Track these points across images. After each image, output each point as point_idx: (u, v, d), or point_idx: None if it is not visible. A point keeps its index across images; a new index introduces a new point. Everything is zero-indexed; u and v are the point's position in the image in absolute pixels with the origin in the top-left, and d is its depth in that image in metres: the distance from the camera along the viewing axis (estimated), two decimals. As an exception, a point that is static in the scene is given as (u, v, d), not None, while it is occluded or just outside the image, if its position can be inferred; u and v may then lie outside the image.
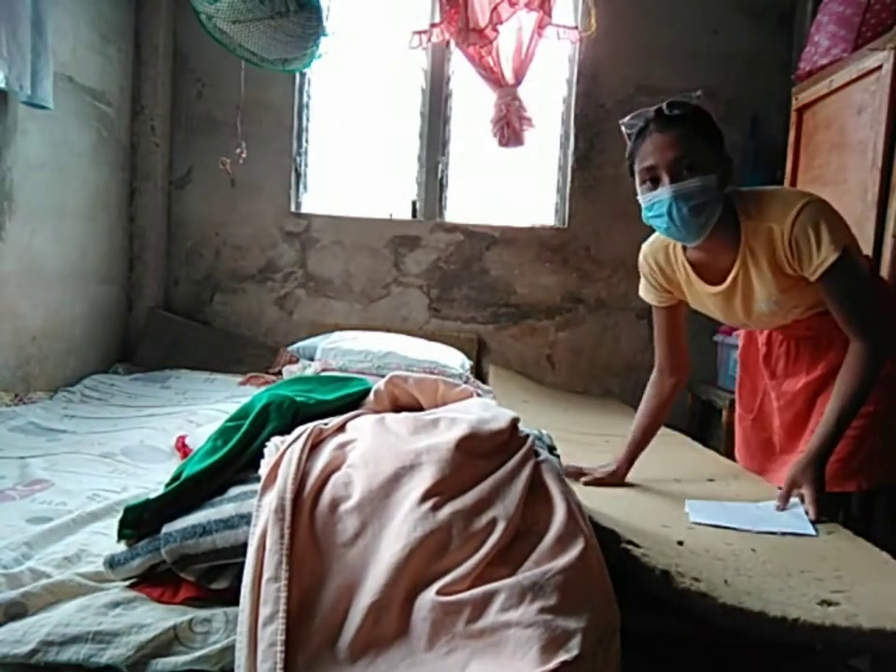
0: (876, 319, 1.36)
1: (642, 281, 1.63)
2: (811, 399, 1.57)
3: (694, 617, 0.99)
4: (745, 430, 1.80)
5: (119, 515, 1.03)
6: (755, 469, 1.73)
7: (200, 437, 1.72)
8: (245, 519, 0.96)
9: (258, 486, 0.98)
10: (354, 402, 1.30)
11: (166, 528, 0.99)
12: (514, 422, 1.14)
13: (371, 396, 1.30)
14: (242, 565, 0.90)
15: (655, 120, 1.35)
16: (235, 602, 0.87)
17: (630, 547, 1.08)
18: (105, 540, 1.15)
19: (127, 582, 1.00)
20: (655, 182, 1.35)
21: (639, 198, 1.41)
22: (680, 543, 1.19)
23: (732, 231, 1.40)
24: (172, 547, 0.96)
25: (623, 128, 1.43)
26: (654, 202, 1.35)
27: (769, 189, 1.47)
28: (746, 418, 1.79)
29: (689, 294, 1.56)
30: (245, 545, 0.92)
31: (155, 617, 0.91)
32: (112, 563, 1.01)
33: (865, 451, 1.47)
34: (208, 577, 0.97)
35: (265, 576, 0.85)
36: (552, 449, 1.25)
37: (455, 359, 2.75)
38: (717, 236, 1.39)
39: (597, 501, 1.31)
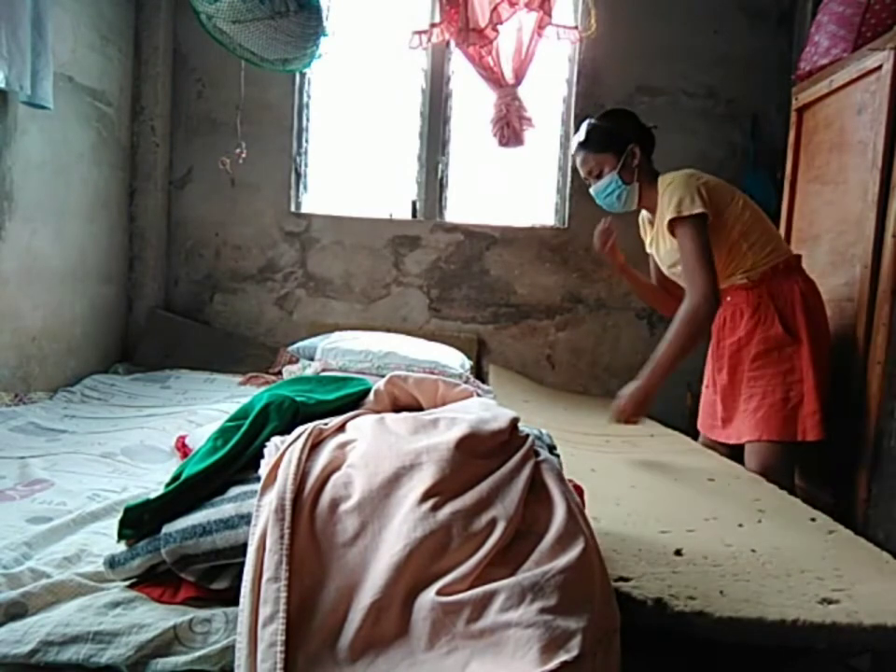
0: (696, 281, 1.78)
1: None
2: (734, 358, 1.95)
3: (693, 636, 0.99)
4: (703, 399, 2.17)
5: (119, 515, 1.03)
6: (705, 430, 2.11)
7: (200, 437, 1.72)
8: (245, 519, 0.95)
9: (257, 486, 0.98)
10: (354, 402, 1.30)
11: (166, 528, 0.99)
12: (514, 422, 1.13)
13: (371, 396, 1.30)
14: (242, 565, 0.90)
15: (573, 153, 2.08)
16: (235, 602, 0.86)
17: (619, 584, 1.05)
18: (105, 540, 1.15)
19: (127, 582, 0.99)
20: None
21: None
22: (678, 553, 1.19)
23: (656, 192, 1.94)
24: (172, 547, 0.96)
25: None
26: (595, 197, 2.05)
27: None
28: (705, 390, 2.15)
29: (647, 241, 2.15)
30: (244, 545, 0.92)
31: (155, 617, 0.90)
32: (112, 563, 1.01)
33: (767, 406, 1.85)
34: (208, 577, 0.97)
35: (265, 576, 0.85)
36: (552, 449, 1.24)
37: (455, 359, 2.75)
38: (647, 198, 1.99)
39: (598, 506, 1.31)
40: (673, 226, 1.84)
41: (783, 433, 1.83)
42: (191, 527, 0.97)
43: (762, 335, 1.88)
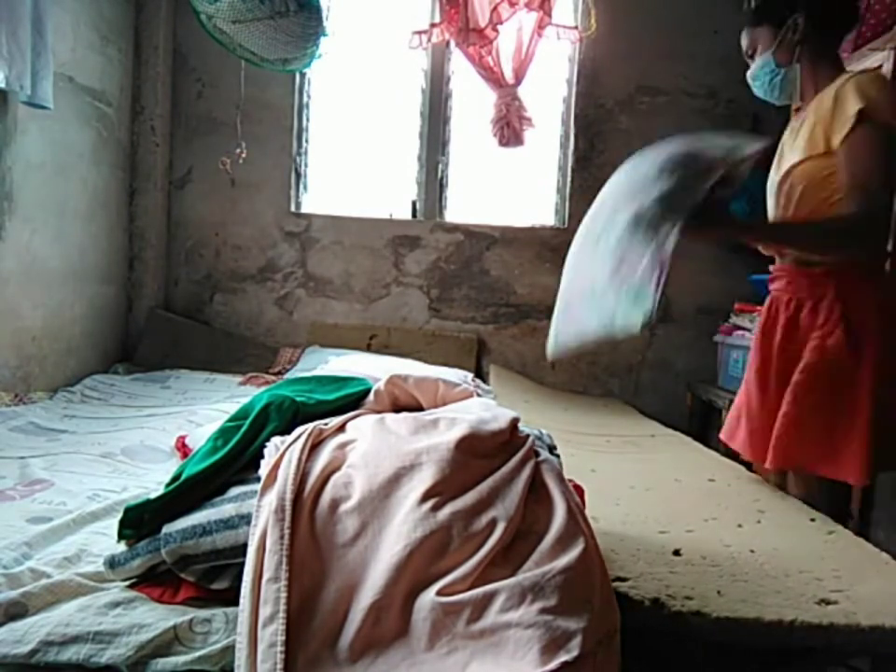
0: (875, 193, 1.36)
1: None
2: (783, 361, 1.52)
3: (690, 636, 0.99)
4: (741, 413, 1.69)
5: (119, 515, 1.03)
6: (727, 437, 1.68)
7: (200, 437, 1.72)
8: (245, 519, 0.96)
9: (258, 486, 0.98)
10: (354, 402, 1.30)
11: (166, 529, 0.99)
12: (514, 422, 1.14)
13: (372, 396, 1.30)
14: (242, 565, 0.90)
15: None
16: (235, 602, 0.87)
17: (617, 584, 1.04)
18: (105, 540, 1.15)
19: (127, 583, 0.99)
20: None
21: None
22: (677, 553, 1.19)
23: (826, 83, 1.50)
24: (172, 547, 0.96)
25: None
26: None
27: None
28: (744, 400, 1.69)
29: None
30: (245, 545, 0.92)
31: (155, 617, 0.90)
32: (112, 563, 1.01)
33: (803, 435, 1.44)
34: (208, 577, 0.97)
35: (265, 576, 0.85)
36: (552, 449, 1.25)
37: (458, 378, 2.66)
38: (816, 89, 1.53)
39: (598, 507, 1.31)
40: (856, 119, 1.36)
41: (820, 468, 1.45)
42: (191, 527, 0.97)
43: (818, 341, 1.45)
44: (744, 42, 1.62)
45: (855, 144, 1.37)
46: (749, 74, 1.63)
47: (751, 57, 1.61)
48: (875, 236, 1.42)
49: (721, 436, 1.72)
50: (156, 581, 0.99)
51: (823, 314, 1.46)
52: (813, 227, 1.46)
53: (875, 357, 1.41)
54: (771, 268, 1.63)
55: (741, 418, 1.62)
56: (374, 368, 2.63)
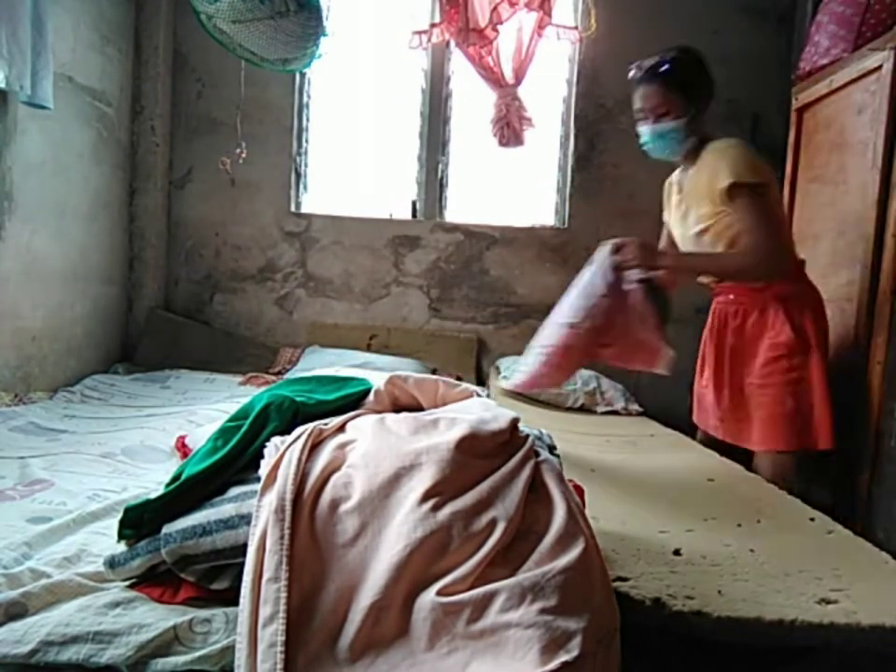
0: (764, 243, 1.69)
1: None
2: (735, 359, 1.90)
3: (691, 636, 0.99)
4: (697, 393, 2.10)
5: (119, 515, 1.03)
6: (704, 426, 2.06)
7: (200, 437, 1.72)
8: (245, 519, 0.96)
9: (258, 487, 0.98)
10: (354, 402, 1.30)
11: (166, 529, 0.99)
12: (514, 422, 1.13)
13: (372, 396, 1.30)
14: (242, 565, 0.90)
15: (638, 77, 1.86)
16: (235, 602, 0.87)
17: (618, 584, 1.05)
18: (105, 540, 1.15)
19: (127, 583, 0.99)
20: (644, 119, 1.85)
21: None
22: (677, 553, 1.19)
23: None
24: (172, 548, 0.96)
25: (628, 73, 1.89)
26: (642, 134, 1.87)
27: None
28: (701, 388, 2.07)
29: (668, 207, 2.03)
30: (245, 545, 0.92)
31: (155, 617, 0.90)
32: (112, 563, 1.01)
33: (778, 416, 1.78)
34: (208, 577, 0.97)
35: (265, 576, 0.85)
36: (552, 449, 1.24)
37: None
38: (690, 157, 1.85)
39: (598, 507, 1.31)
40: (731, 192, 1.71)
41: (796, 443, 1.78)
42: (191, 528, 0.97)
43: (771, 341, 1.81)
44: (648, 101, 1.80)
45: (737, 210, 1.72)
46: (649, 129, 1.82)
47: (658, 117, 1.80)
48: (767, 270, 1.76)
49: (694, 419, 2.11)
50: (156, 581, 0.99)
51: (770, 318, 1.81)
52: (717, 261, 1.83)
53: (817, 343, 1.78)
54: (713, 285, 1.96)
55: (707, 410, 2.01)
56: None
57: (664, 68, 1.77)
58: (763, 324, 1.83)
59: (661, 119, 1.80)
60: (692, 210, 1.86)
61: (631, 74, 1.88)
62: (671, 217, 2.00)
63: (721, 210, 1.76)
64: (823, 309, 1.88)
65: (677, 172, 1.97)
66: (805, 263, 1.95)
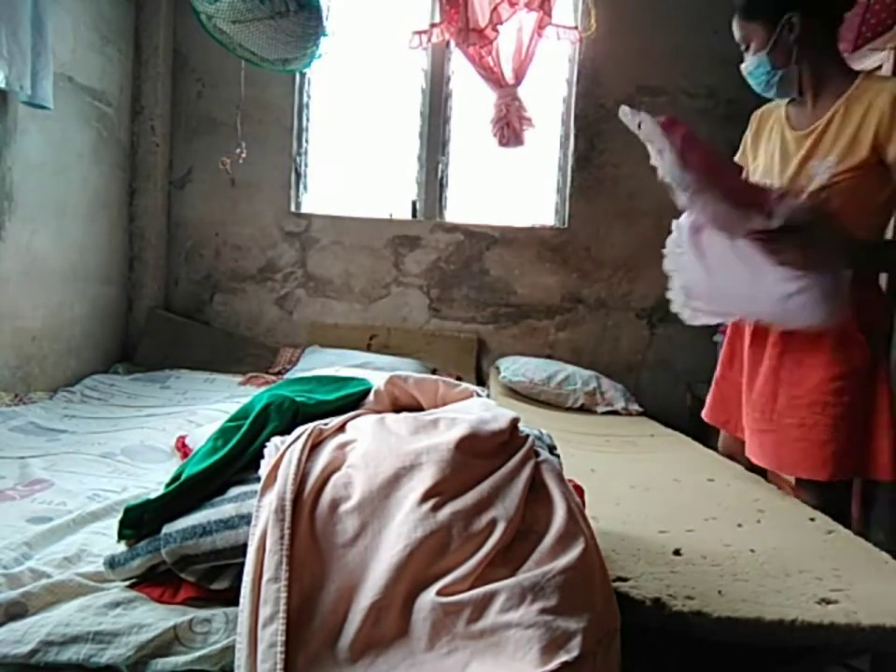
0: None
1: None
2: (778, 359, 1.53)
3: (691, 636, 0.99)
4: (720, 389, 1.76)
5: (120, 515, 1.03)
6: (731, 429, 1.72)
7: (200, 437, 1.72)
8: (245, 519, 0.95)
9: (258, 486, 0.98)
10: (354, 402, 1.30)
11: (166, 529, 0.99)
12: (514, 422, 1.13)
13: (372, 396, 1.30)
14: (242, 565, 0.90)
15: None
16: (235, 602, 0.86)
17: (618, 584, 1.04)
18: (105, 540, 1.15)
19: (127, 583, 0.99)
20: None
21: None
22: (677, 553, 1.19)
23: (839, 85, 1.46)
24: (172, 548, 0.96)
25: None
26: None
27: None
28: (725, 381, 1.74)
29: (761, 146, 1.64)
30: (244, 545, 0.92)
31: (155, 617, 0.90)
32: (112, 563, 1.01)
33: (839, 440, 1.45)
34: (208, 577, 0.97)
35: (265, 576, 0.85)
36: (552, 449, 1.24)
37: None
38: (818, 87, 1.49)
39: (598, 507, 1.31)
40: None
41: (854, 471, 1.48)
42: (191, 528, 0.97)
43: (844, 354, 1.45)
44: (736, 34, 1.55)
45: None
46: (743, 67, 1.55)
47: (746, 49, 1.53)
48: None
49: (709, 419, 1.77)
50: (156, 581, 0.99)
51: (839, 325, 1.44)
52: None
53: (887, 361, 1.47)
54: None
55: (738, 422, 1.66)
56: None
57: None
58: (833, 331, 1.44)
59: (745, 55, 1.54)
60: (818, 157, 1.46)
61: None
62: (763, 159, 1.61)
63: (871, 166, 1.39)
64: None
65: (783, 103, 1.61)
66: None
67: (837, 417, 1.44)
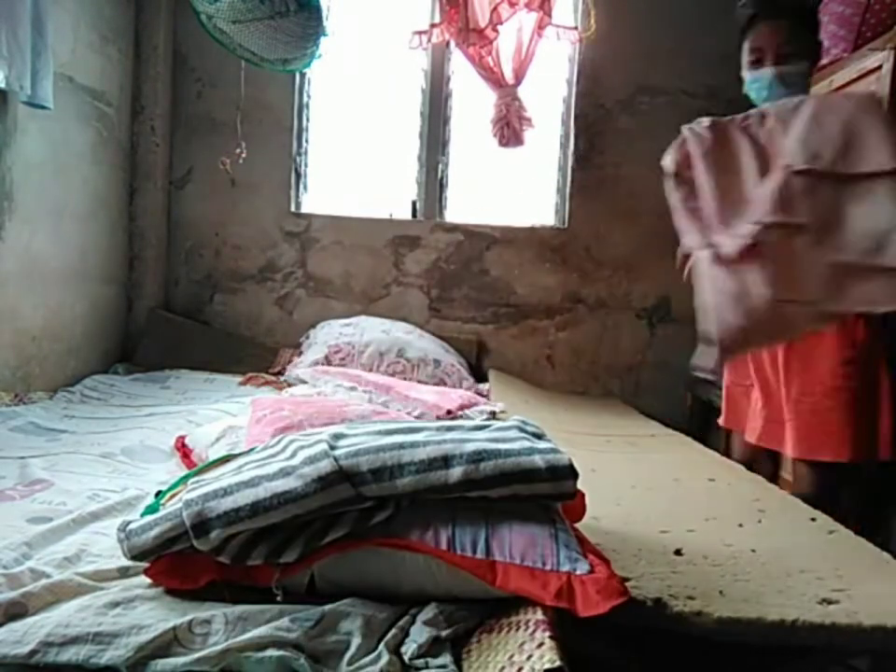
0: None
1: None
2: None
3: (692, 636, 0.99)
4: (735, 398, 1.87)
5: (120, 515, 1.03)
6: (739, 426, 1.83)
7: (200, 437, 1.72)
8: (266, 478, 0.98)
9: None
10: None
11: (187, 495, 1.00)
12: None
13: None
14: (273, 536, 0.90)
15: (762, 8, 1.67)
16: (235, 603, 0.86)
17: None
18: (105, 540, 1.14)
19: (127, 582, 0.99)
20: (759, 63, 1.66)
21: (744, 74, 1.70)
22: (678, 553, 1.19)
23: None
24: (194, 510, 0.96)
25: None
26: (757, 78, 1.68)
27: None
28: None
29: None
30: (263, 502, 0.94)
31: (155, 618, 0.90)
32: (128, 533, 1.00)
33: (842, 422, 1.55)
34: (242, 556, 0.96)
35: None
36: (539, 437, 1.21)
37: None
38: None
39: (599, 507, 1.31)
40: None
41: (861, 453, 1.56)
42: (213, 491, 0.99)
43: (850, 338, 1.56)
44: (756, 42, 1.66)
45: None
46: (751, 76, 1.67)
47: (759, 61, 1.65)
48: None
49: (726, 424, 1.89)
50: (173, 569, 0.98)
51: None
52: None
53: (886, 344, 1.58)
54: None
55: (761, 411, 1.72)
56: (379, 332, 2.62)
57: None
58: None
59: (760, 64, 1.72)
60: None
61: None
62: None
63: None
64: None
65: None
66: None
67: (850, 400, 1.55)
